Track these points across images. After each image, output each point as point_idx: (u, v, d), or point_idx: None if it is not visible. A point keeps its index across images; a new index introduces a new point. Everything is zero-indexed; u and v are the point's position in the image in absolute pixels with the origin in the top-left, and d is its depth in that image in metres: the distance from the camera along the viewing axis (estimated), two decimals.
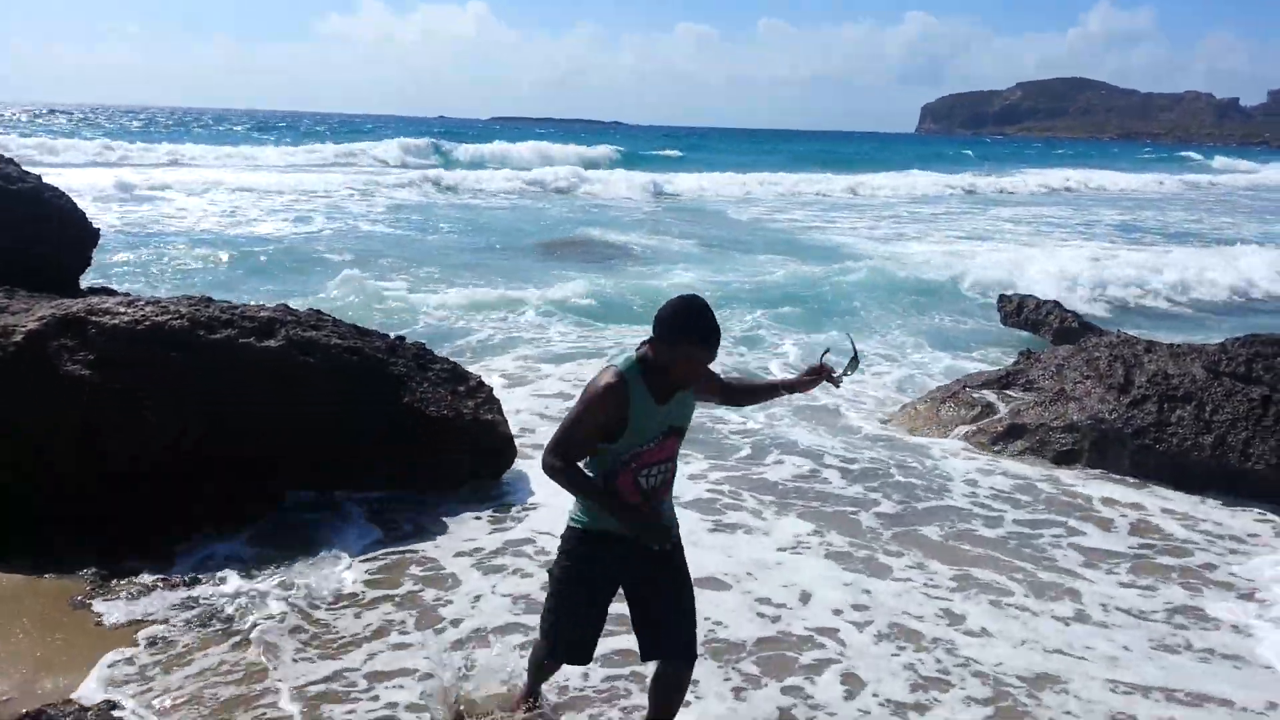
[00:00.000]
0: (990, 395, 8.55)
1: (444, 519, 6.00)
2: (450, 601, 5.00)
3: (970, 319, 14.05)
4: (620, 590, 3.46)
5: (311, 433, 5.87)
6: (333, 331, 6.36)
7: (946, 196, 38.95)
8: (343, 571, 5.24)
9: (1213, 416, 6.88)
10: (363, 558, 5.43)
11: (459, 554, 5.55)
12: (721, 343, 3.29)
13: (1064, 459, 7.53)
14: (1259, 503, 6.55)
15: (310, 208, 23.85)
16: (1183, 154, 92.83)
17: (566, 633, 3.50)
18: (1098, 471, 7.25)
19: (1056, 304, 12.63)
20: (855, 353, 3.74)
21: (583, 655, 3.56)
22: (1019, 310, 12.70)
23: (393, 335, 6.94)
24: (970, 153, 77.77)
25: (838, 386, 3.66)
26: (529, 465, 6.99)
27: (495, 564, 5.46)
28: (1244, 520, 6.36)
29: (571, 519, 3.45)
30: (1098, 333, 11.65)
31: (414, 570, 5.34)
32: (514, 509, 6.23)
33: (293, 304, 6.69)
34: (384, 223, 21.76)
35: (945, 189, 41.23)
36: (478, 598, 5.04)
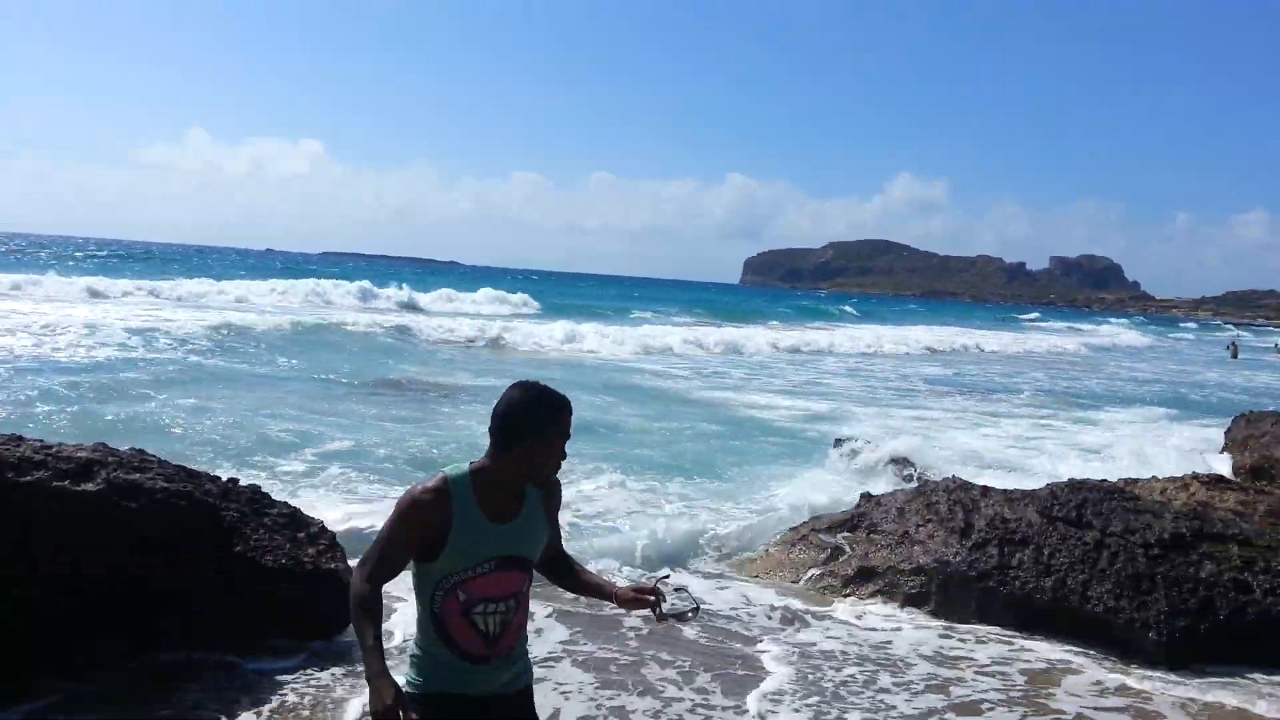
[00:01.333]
0: (838, 538, 8.66)
1: (285, 685, 5.45)
2: None
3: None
4: None
5: (132, 586, 5.29)
6: (159, 473, 5.84)
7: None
8: None
9: (1051, 560, 7.14)
10: None
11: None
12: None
13: (913, 601, 7.64)
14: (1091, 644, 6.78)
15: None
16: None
17: None
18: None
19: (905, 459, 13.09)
20: (696, 604, 3.21)
21: None
22: (854, 453, 13.08)
23: (225, 478, 6.44)
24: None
25: (659, 623, 3.04)
26: None
27: None
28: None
29: (406, 682, 2.85)
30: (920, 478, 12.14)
31: None
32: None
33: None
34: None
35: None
36: None
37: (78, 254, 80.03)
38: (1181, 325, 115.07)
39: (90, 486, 5.36)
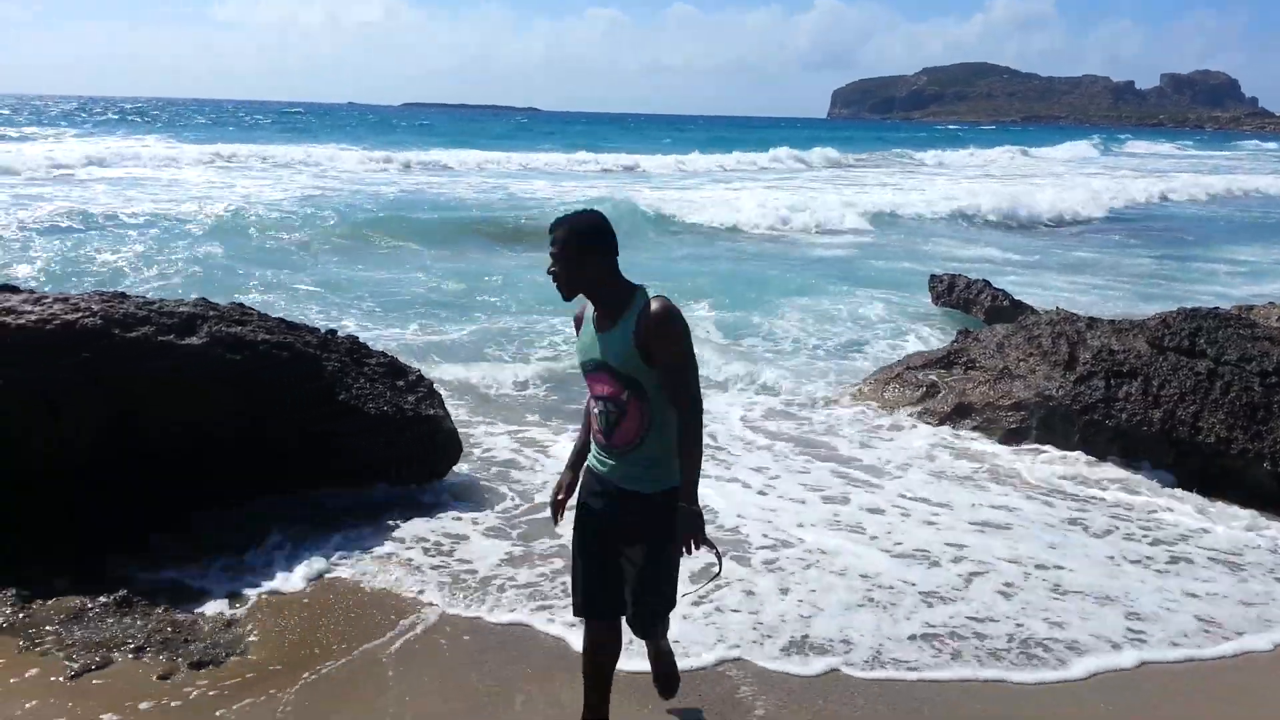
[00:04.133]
0: (933, 375, 8.50)
1: (394, 521, 5.69)
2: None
3: (901, 297, 14.09)
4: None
5: (241, 436, 5.49)
6: (259, 326, 5.96)
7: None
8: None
9: (1160, 391, 6.90)
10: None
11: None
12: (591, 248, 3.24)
13: (1012, 437, 7.52)
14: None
15: None
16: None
17: (573, 576, 3.48)
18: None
19: (986, 283, 12.70)
20: (719, 564, 3.37)
21: (589, 607, 3.39)
22: (950, 289, 12.74)
23: (323, 329, 6.57)
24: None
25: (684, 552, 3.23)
26: (475, 464, 6.72)
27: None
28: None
29: None
30: (1029, 311, 11.78)
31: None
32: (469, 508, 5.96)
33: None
34: None
35: None
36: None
37: (160, 114, 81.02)
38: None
39: (194, 340, 5.50)
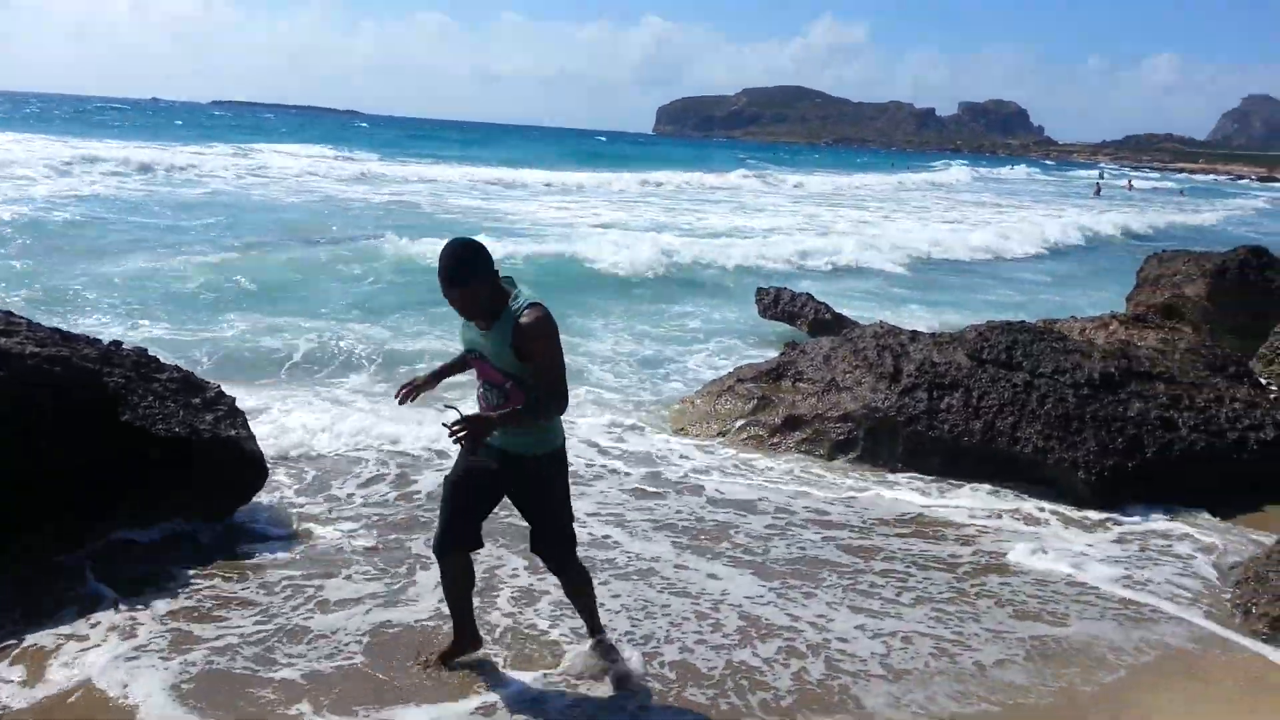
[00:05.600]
0: (763, 388, 8.47)
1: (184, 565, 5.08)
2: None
3: (729, 310, 14.20)
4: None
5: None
6: (29, 337, 5.23)
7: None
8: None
9: (980, 402, 7.05)
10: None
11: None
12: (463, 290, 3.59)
13: (840, 448, 7.54)
14: (1024, 486, 6.79)
15: None
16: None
17: (441, 515, 4.01)
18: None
19: (810, 296, 12.93)
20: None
21: (454, 540, 3.97)
22: (775, 302, 12.90)
23: (107, 341, 5.86)
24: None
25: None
26: (278, 490, 6.16)
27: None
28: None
29: None
30: (850, 324, 12.03)
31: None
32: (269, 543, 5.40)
33: None
34: None
35: None
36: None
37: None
38: (1069, 170, 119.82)
39: None
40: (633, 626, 4.66)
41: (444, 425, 3.59)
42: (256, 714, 3.80)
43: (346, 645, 4.34)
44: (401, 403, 4.10)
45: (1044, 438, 6.74)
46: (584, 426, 7.89)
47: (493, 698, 3.98)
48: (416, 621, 4.58)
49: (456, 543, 3.99)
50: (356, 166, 39.05)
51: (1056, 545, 5.89)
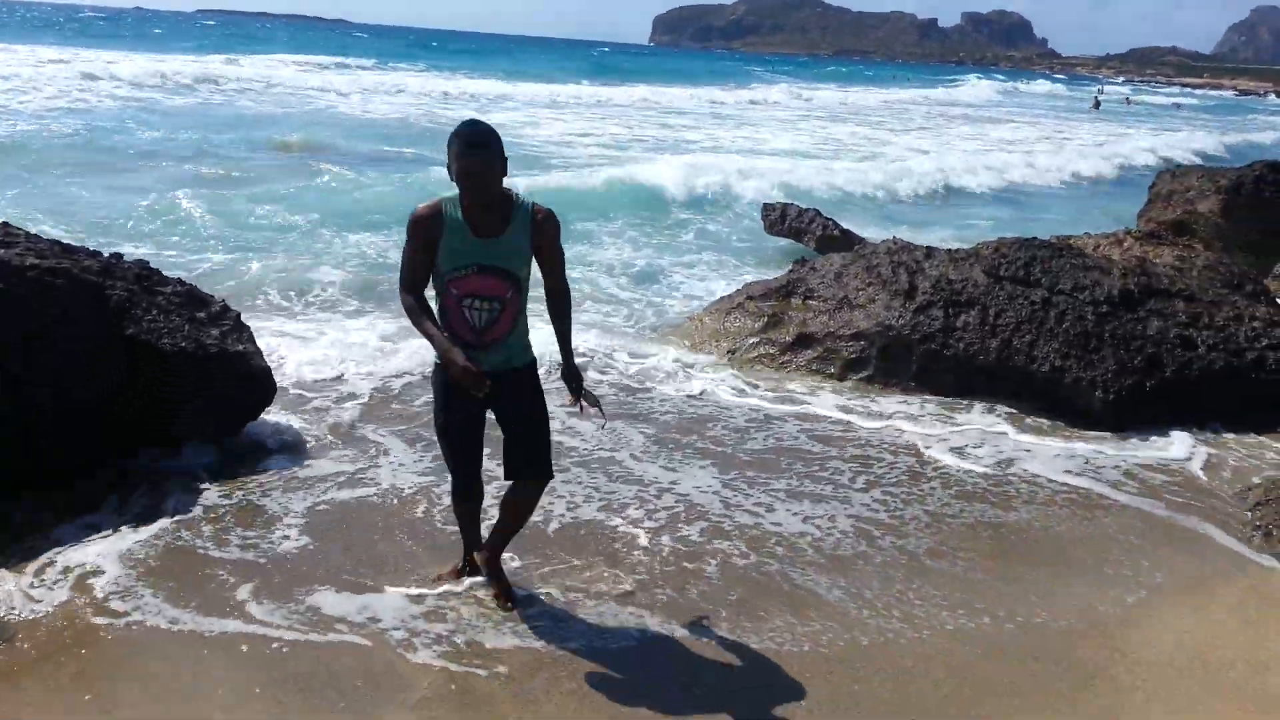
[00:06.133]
0: (773, 305, 8.35)
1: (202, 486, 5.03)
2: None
3: (735, 227, 14.00)
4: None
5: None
6: (28, 248, 5.08)
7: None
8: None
9: (996, 320, 6.94)
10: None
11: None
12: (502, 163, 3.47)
13: (852, 367, 7.45)
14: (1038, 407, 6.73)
15: None
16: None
17: (451, 463, 3.91)
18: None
19: (817, 212, 12.72)
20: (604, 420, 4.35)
21: (467, 484, 3.93)
22: (783, 218, 12.69)
23: (107, 253, 5.70)
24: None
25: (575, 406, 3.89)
26: (288, 406, 6.07)
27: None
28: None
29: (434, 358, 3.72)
30: (858, 240, 11.86)
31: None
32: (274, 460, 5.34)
33: None
34: None
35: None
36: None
37: None
38: (1077, 82, 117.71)
39: None
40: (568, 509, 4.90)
41: (597, 420, 3.80)
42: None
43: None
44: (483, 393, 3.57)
45: (1061, 356, 6.65)
46: (589, 340, 7.81)
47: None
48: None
49: (476, 479, 3.95)
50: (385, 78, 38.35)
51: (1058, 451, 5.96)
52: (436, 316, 3.61)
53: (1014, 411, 6.64)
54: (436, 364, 3.71)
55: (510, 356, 3.68)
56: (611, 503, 5.02)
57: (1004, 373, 6.84)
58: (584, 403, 3.82)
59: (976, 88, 74.67)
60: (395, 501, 4.92)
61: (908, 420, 6.51)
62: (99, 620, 3.75)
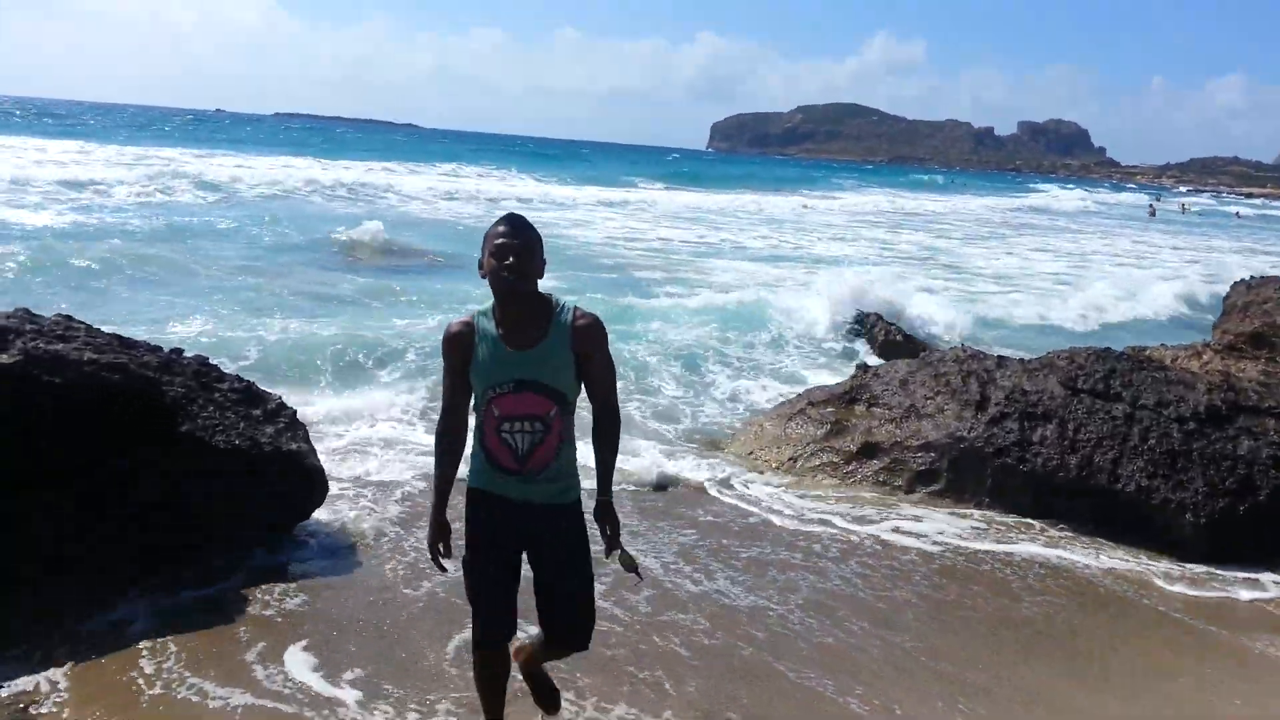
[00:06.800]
0: (836, 411, 8.10)
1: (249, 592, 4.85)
2: None
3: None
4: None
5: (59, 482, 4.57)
6: (86, 343, 5.05)
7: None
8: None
9: (1076, 435, 6.62)
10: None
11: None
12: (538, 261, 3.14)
13: (921, 480, 7.14)
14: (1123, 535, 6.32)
15: None
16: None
17: (473, 606, 3.32)
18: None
19: (879, 316, 12.51)
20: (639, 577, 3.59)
21: (500, 633, 3.32)
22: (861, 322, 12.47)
23: (166, 349, 5.67)
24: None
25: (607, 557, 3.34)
26: (337, 507, 5.92)
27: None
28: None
29: (468, 472, 3.32)
30: (922, 346, 11.60)
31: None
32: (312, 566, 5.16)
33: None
34: None
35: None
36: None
37: (22, 114, 76.45)
38: (1133, 191, 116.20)
39: (4, 358, 4.58)
40: None
41: (635, 573, 3.30)
42: None
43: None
44: (445, 570, 3.39)
45: (1148, 475, 6.29)
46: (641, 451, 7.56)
47: None
48: None
49: (502, 631, 3.35)
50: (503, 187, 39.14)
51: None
52: (476, 444, 3.26)
53: (1101, 540, 6.25)
54: (470, 487, 3.29)
55: (553, 491, 3.23)
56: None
57: (1085, 491, 6.48)
58: (619, 561, 3.28)
59: (1058, 198, 73.21)
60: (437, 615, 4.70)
61: (986, 540, 6.16)
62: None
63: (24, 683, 3.85)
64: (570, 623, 3.32)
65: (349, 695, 3.93)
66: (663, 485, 6.94)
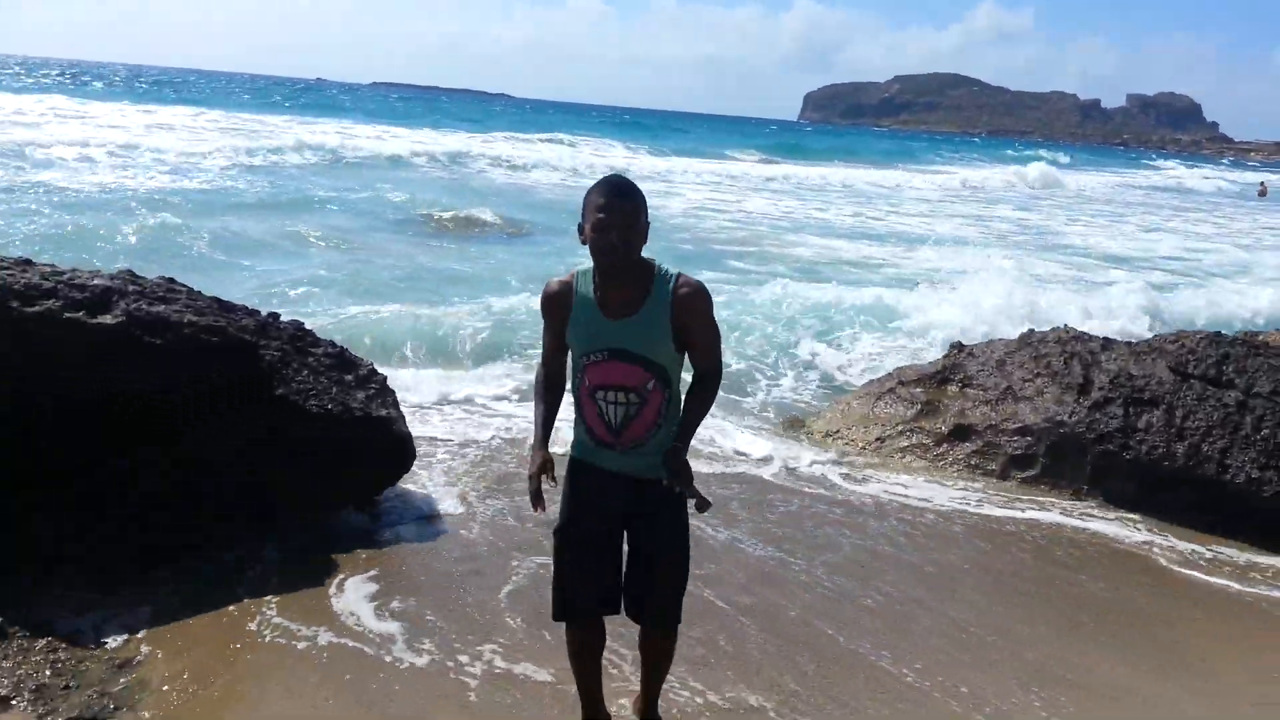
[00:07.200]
0: (927, 391, 7.89)
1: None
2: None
3: None
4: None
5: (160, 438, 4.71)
6: (187, 305, 5.17)
7: None
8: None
9: (1184, 423, 6.33)
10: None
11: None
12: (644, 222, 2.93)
13: (1016, 464, 6.92)
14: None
15: None
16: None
17: (559, 578, 3.21)
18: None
19: None
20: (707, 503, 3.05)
21: (583, 600, 3.19)
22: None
23: (264, 312, 5.79)
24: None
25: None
26: (423, 473, 5.99)
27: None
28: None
29: (570, 443, 3.24)
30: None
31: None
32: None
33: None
34: None
35: None
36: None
37: (142, 82, 79.22)
38: (1247, 168, 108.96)
39: (107, 319, 4.71)
40: None
41: (700, 501, 2.96)
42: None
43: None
44: (542, 509, 3.16)
45: (1260, 467, 5.98)
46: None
47: None
48: None
49: (592, 600, 3.20)
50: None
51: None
52: (576, 413, 3.16)
53: (1204, 533, 5.98)
54: (571, 457, 3.21)
55: (653, 464, 3.05)
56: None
57: (1191, 480, 6.19)
58: (682, 489, 2.99)
59: (1180, 177, 67.42)
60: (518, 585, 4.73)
61: (1092, 521, 5.94)
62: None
63: (123, 626, 3.97)
64: (656, 596, 3.17)
65: (425, 645, 3.98)
66: (744, 463, 6.86)
